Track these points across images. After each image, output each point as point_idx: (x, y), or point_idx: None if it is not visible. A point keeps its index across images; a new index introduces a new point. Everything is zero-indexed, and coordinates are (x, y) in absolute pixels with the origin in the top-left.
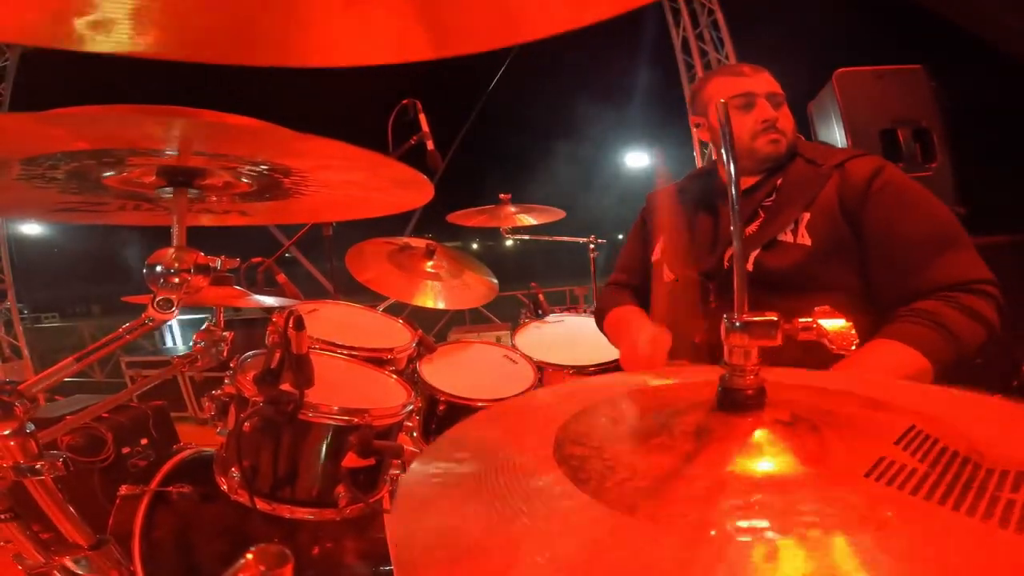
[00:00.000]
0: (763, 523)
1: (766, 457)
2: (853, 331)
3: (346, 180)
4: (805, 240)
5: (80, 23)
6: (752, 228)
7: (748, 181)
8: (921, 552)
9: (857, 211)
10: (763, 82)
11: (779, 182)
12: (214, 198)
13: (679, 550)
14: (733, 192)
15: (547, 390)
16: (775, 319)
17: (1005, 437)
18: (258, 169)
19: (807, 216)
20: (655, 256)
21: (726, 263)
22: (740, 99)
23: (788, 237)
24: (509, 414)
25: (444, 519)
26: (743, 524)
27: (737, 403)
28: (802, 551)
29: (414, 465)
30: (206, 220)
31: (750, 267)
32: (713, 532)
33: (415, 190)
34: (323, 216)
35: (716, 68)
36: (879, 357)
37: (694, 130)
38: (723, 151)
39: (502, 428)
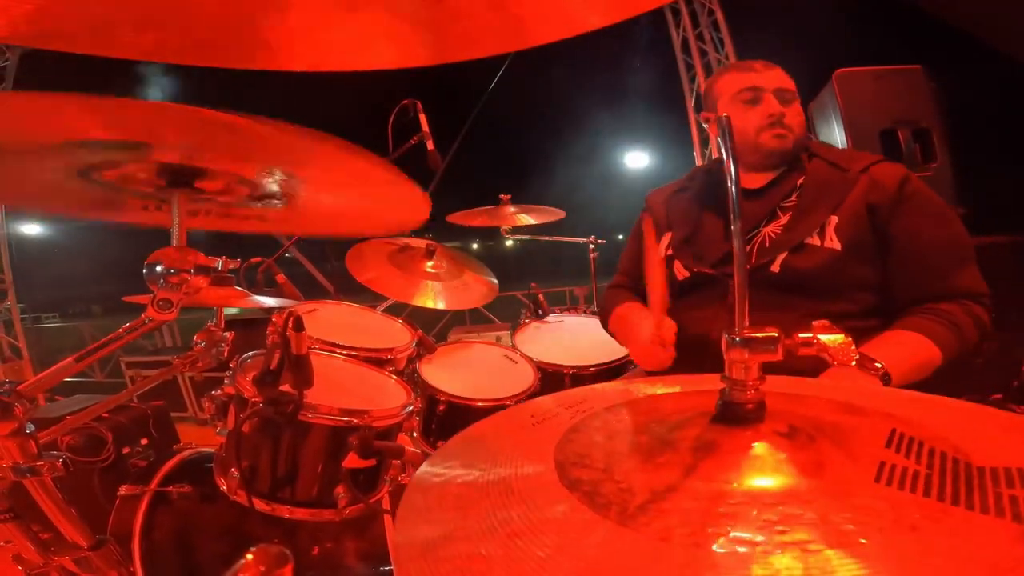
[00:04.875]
0: (805, 535)
1: (779, 471)
2: (852, 345)
3: (345, 183)
4: (834, 244)
5: (82, 25)
6: (775, 229)
7: (759, 179)
8: (961, 552)
9: (886, 216)
10: (773, 78)
11: (800, 182)
12: (213, 199)
13: (734, 574)
14: (734, 195)
15: (526, 407)
16: (775, 335)
17: (979, 436)
18: (265, 172)
19: (835, 219)
20: (661, 253)
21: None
22: (747, 93)
23: (815, 240)
24: (492, 436)
25: (454, 562)
26: (786, 539)
27: (737, 417)
28: (852, 561)
29: (403, 503)
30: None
31: (777, 269)
32: (760, 550)
33: (411, 208)
34: (320, 228)
35: (729, 63)
36: (900, 342)
37: (705, 125)
38: (726, 159)
39: (493, 450)
